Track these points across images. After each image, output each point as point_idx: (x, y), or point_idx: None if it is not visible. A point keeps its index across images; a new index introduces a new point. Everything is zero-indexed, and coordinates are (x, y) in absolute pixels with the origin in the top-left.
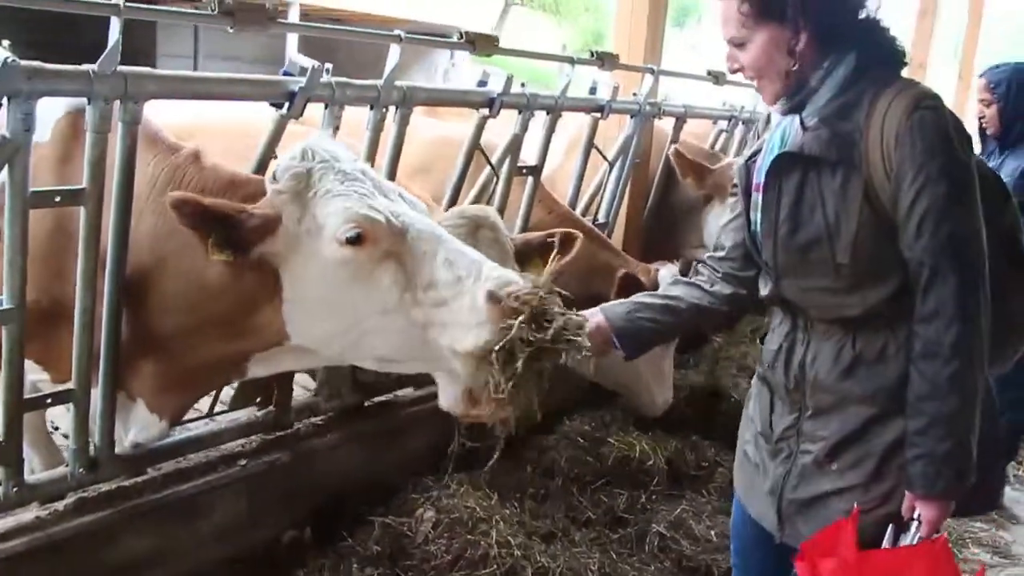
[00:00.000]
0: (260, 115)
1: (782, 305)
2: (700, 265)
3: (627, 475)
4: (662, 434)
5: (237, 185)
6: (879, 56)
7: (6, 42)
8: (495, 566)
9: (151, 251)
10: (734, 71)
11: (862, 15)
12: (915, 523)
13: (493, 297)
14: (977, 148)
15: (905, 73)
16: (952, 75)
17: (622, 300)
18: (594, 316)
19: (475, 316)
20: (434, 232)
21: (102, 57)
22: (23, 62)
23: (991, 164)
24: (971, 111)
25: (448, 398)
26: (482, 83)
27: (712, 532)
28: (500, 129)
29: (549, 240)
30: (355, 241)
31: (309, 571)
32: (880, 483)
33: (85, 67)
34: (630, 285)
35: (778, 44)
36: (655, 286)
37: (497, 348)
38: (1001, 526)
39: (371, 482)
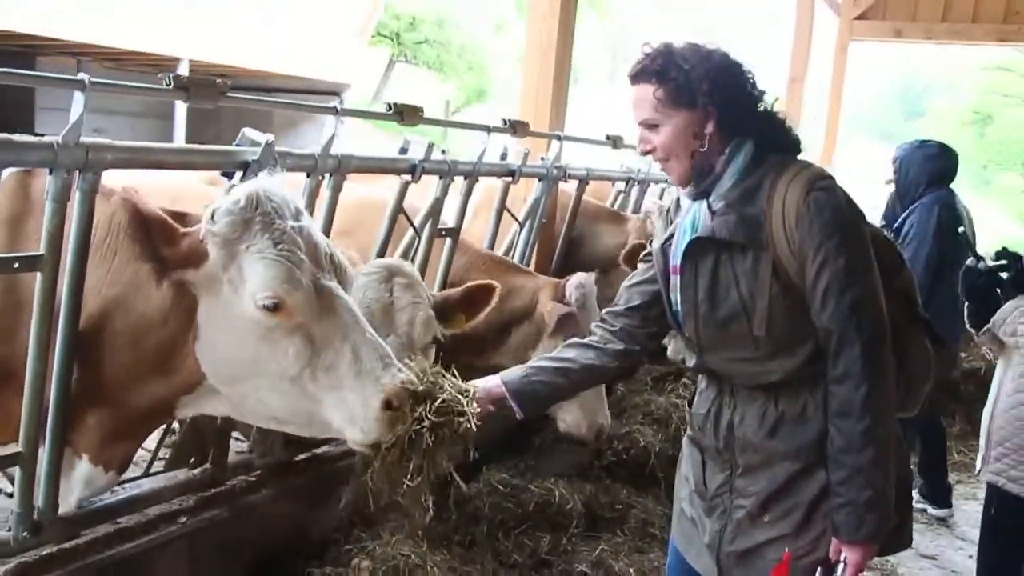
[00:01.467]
0: (187, 180)
1: (708, 374)
2: (595, 324)
3: (547, 519)
4: (577, 480)
5: (177, 217)
6: (776, 143)
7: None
8: None
9: (95, 301)
10: (645, 152)
11: (760, 107)
12: (841, 566)
13: (388, 405)
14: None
15: None
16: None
17: (521, 365)
18: (492, 382)
19: (367, 415)
20: (348, 317)
21: (66, 129)
22: None
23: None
24: (837, 165)
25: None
26: (403, 150)
27: (631, 569)
28: (416, 190)
29: (466, 294)
30: (271, 308)
31: None
32: (809, 531)
33: (49, 139)
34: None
35: (688, 128)
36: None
37: (385, 446)
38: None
39: (306, 535)
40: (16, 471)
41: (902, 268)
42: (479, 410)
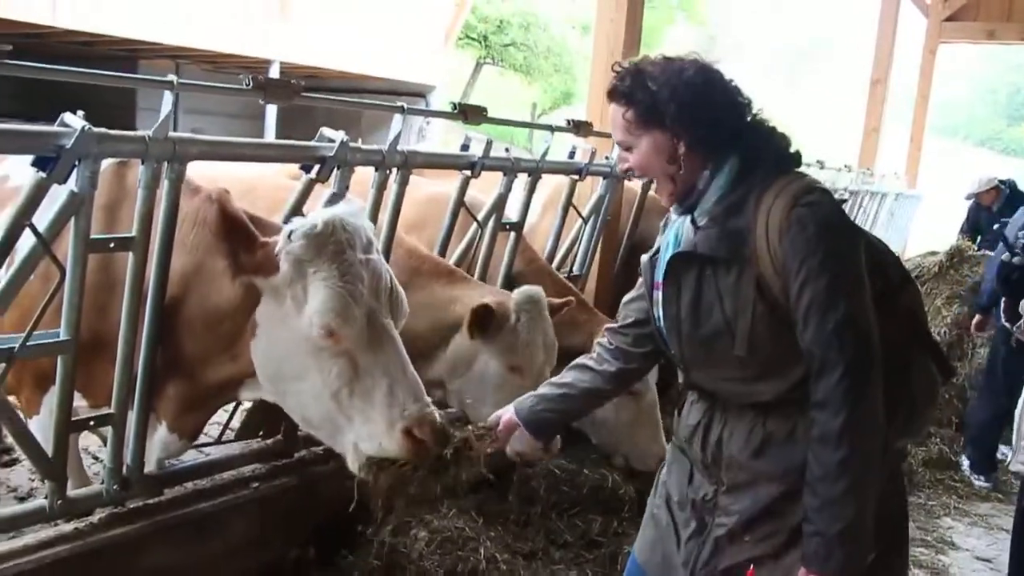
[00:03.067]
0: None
1: (697, 390)
2: (596, 340)
3: (600, 502)
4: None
5: (258, 223)
6: (763, 157)
7: (80, 112)
8: None
9: (179, 284)
10: (625, 171)
11: (747, 119)
12: None
13: (409, 433)
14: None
15: (858, 139)
16: (905, 137)
17: (529, 394)
18: (507, 413)
19: (390, 436)
20: (392, 353)
21: (157, 124)
22: (96, 129)
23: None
24: (922, 169)
25: (351, 464)
26: (464, 147)
27: None
28: (483, 186)
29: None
30: (325, 333)
31: None
32: (788, 555)
33: (141, 133)
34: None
35: (660, 150)
36: None
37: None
38: (940, 551)
39: (367, 504)
40: (108, 431)
41: (907, 285)
42: (490, 449)
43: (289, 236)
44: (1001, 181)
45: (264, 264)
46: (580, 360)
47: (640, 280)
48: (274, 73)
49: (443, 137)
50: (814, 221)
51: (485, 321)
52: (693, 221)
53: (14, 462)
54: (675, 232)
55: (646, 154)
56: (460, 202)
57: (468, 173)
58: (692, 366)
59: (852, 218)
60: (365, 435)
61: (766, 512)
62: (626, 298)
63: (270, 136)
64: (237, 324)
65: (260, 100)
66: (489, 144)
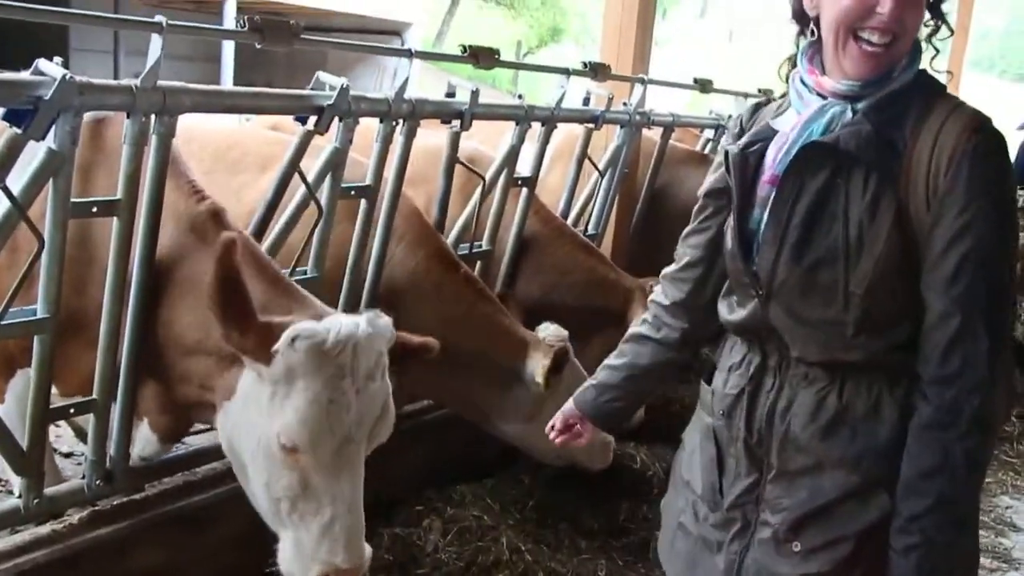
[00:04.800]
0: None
1: (755, 336)
2: (650, 298)
3: (627, 485)
4: (659, 447)
5: (263, 272)
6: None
7: (58, 59)
8: (508, 571)
9: (180, 321)
10: (896, 19)
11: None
12: None
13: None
14: None
15: None
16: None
17: (588, 384)
18: (570, 409)
19: (303, 569)
20: (347, 487)
21: (144, 72)
22: (78, 78)
23: None
24: None
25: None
26: (450, 94)
27: None
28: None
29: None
30: (286, 447)
31: None
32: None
33: (127, 82)
34: None
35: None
36: None
37: None
38: (1000, 533)
39: (377, 496)
40: (90, 419)
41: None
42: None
43: (293, 341)
44: None
45: (256, 350)
46: (635, 330)
47: (700, 208)
48: (230, 9)
49: (419, 81)
50: (997, 157)
51: (563, 364)
52: (853, 111)
53: None
54: (808, 125)
55: (922, 7)
56: (453, 158)
57: (457, 126)
58: (778, 295)
59: None
60: (289, 547)
61: (828, 512)
62: (685, 232)
63: (227, 79)
64: (220, 371)
65: (256, 44)
66: (475, 94)
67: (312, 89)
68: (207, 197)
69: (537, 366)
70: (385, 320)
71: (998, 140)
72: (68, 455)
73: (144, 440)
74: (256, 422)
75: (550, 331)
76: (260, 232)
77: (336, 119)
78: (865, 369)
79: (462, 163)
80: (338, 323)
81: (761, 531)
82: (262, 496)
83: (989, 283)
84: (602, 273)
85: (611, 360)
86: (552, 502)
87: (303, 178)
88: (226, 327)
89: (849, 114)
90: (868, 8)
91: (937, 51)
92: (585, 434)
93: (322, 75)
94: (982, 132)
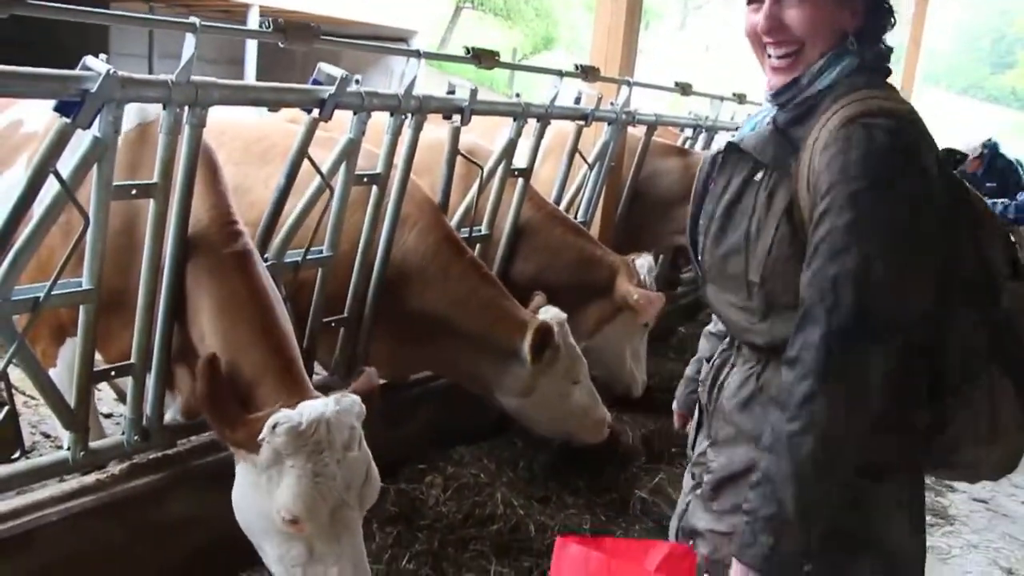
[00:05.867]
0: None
1: (718, 316)
2: (637, 261)
3: (611, 451)
4: (641, 416)
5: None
6: (869, 62)
7: (103, 55)
8: (502, 523)
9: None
10: (768, 31)
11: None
12: None
13: None
14: None
15: None
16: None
17: (683, 378)
18: (677, 411)
19: None
20: (347, 546)
21: (179, 68)
22: (120, 73)
23: None
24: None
25: None
26: (450, 92)
27: None
28: (490, 133)
29: None
30: (288, 521)
31: None
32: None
33: (164, 76)
34: None
35: (839, 14)
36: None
37: None
38: (939, 494)
39: (382, 455)
40: (128, 382)
41: (1015, 282)
42: None
43: (274, 428)
44: (984, 144)
45: (245, 442)
46: (709, 329)
47: None
48: (253, 17)
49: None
50: (864, 144)
51: (548, 339)
52: (774, 118)
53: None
54: (751, 124)
55: (825, 11)
56: (455, 151)
57: (458, 121)
58: (708, 278)
59: None
60: None
61: (735, 480)
62: None
63: (250, 80)
64: None
65: (280, 43)
66: (474, 92)
67: (314, 79)
68: (241, 234)
69: (526, 344)
70: (350, 398)
71: (870, 130)
72: (108, 416)
73: (173, 411)
74: (259, 505)
75: (550, 314)
76: (275, 215)
77: (350, 112)
78: (777, 353)
79: (463, 155)
80: (309, 407)
81: (701, 488)
82: (278, 567)
83: (835, 271)
84: (590, 251)
85: (698, 356)
86: (542, 463)
87: (314, 164)
88: (219, 427)
89: (769, 117)
90: (755, 25)
91: (882, 53)
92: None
93: (323, 66)
94: (855, 123)
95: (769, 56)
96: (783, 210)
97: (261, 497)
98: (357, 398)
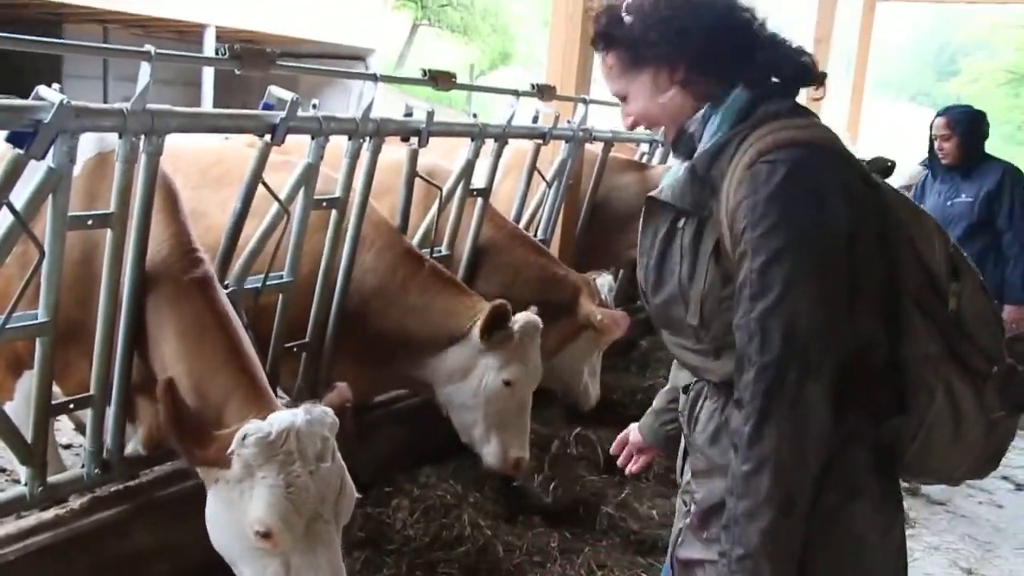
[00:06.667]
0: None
1: None
2: (598, 279)
3: (576, 467)
4: (604, 431)
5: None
6: (773, 86)
7: (56, 85)
8: (469, 544)
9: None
10: (631, 126)
11: (754, 30)
12: None
13: None
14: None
15: (800, 97)
16: (846, 97)
17: (648, 414)
18: (635, 435)
19: None
20: (323, 559)
21: (135, 97)
22: (74, 102)
23: (941, 191)
24: (863, 126)
25: None
26: (407, 114)
27: (654, 512)
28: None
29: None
30: (262, 535)
31: None
32: None
33: (119, 105)
34: None
35: (656, 88)
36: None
37: None
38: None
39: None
40: (88, 414)
41: (959, 282)
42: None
43: (243, 439)
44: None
45: (216, 459)
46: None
47: None
48: (209, 38)
49: (381, 102)
50: (769, 183)
51: (501, 322)
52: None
53: None
54: (670, 174)
55: (643, 98)
56: (413, 172)
57: (415, 144)
58: (659, 326)
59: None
60: None
61: (718, 510)
62: None
63: (207, 102)
64: None
65: (236, 70)
66: (431, 115)
67: (265, 103)
68: (203, 261)
69: (479, 321)
70: (320, 408)
71: (774, 167)
72: (67, 447)
73: (134, 443)
74: (233, 524)
75: (522, 318)
76: (233, 240)
77: (309, 137)
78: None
79: (421, 176)
80: (279, 417)
81: (689, 517)
82: None
83: (759, 312)
84: (552, 271)
85: (666, 388)
86: (507, 483)
87: (269, 189)
88: (187, 448)
89: (686, 164)
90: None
91: (789, 76)
92: (643, 460)
93: (273, 89)
94: (760, 163)
95: None
96: (710, 252)
97: (234, 515)
98: (329, 409)
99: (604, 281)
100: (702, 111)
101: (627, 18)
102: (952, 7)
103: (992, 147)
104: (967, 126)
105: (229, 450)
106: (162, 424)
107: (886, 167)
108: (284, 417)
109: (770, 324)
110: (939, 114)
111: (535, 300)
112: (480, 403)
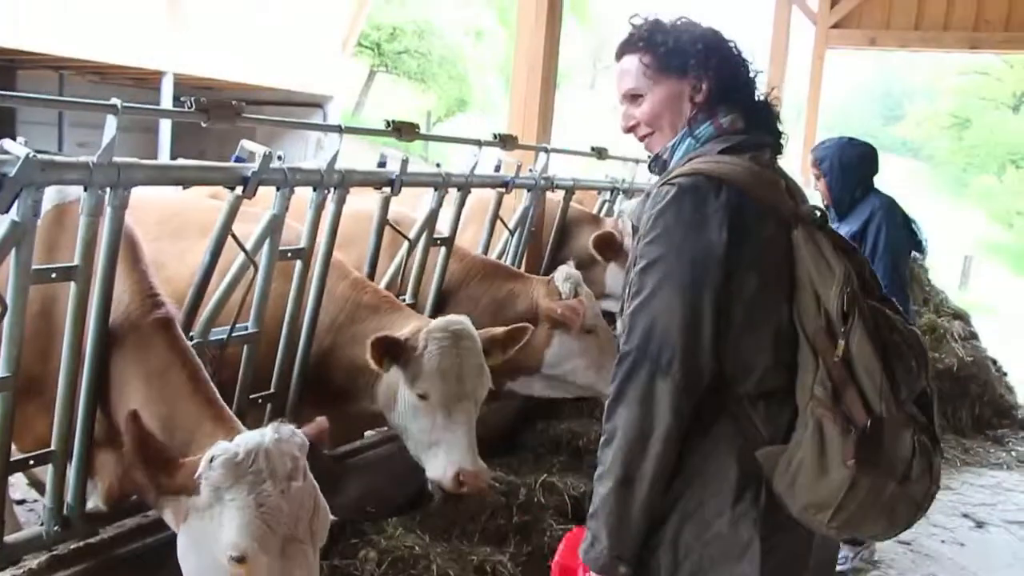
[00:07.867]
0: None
1: None
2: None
3: (547, 509)
4: (572, 477)
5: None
6: (729, 126)
7: (21, 138)
8: None
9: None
10: (628, 130)
11: (754, 83)
12: None
13: None
14: None
15: None
16: (798, 141)
17: None
18: None
19: None
20: None
21: (100, 150)
22: (40, 156)
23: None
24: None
25: None
26: (381, 164)
27: None
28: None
29: (508, 335)
30: (237, 560)
31: None
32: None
33: (85, 159)
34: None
35: (676, 98)
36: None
37: None
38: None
39: None
40: (48, 470)
41: (854, 324)
42: None
43: (211, 462)
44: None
45: (184, 486)
46: None
47: None
48: (167, 84)
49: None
50: (663, 203)
51: (389, 352)
52: None
53: None
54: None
55: (660, 102)
56: (384, 220)
57: (388, 192)
58: None
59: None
60: None
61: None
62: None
63: (164, 149)
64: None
65: (203, 123)
66: (405, 162)
67: (236, 156)
68: (164, 304)
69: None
70: (289, 428)
71: (669, 189)
72: (20, 502)
73: (94, 500)
74: (205, 555)
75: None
76: (200, 292)
77: (274, 188)
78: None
79: (391, 225)
80: (246, 438)
81: None
82: None
83: (632, 307)
84: (506, 289)
85: None
86: (474, 529)
87: (238, 242)
88: (154, 478)
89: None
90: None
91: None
92: None
93: (246, 143)
94: (663, 184)
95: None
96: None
97: (207, 546)
98: (297, 429)
99: (562, 272)
100: (676, 137)
101: (673, 31)
102: (896, 54)
103: (937, 188)
104: (830, 163)
105: (197, 474)
106: (127, 456)
107: (820, 211)
108: (252, 437)
109: (636, 320)
110: (812, 150)
111: (501, 320)
112: (408, 422)
